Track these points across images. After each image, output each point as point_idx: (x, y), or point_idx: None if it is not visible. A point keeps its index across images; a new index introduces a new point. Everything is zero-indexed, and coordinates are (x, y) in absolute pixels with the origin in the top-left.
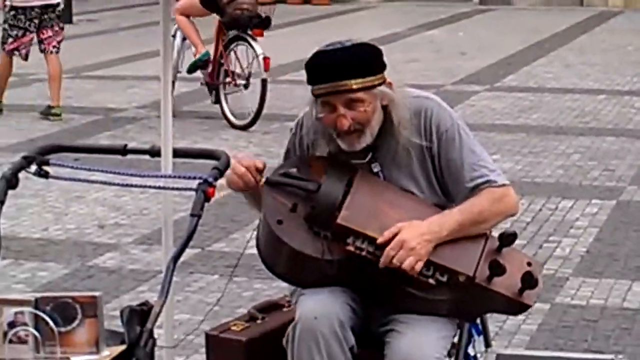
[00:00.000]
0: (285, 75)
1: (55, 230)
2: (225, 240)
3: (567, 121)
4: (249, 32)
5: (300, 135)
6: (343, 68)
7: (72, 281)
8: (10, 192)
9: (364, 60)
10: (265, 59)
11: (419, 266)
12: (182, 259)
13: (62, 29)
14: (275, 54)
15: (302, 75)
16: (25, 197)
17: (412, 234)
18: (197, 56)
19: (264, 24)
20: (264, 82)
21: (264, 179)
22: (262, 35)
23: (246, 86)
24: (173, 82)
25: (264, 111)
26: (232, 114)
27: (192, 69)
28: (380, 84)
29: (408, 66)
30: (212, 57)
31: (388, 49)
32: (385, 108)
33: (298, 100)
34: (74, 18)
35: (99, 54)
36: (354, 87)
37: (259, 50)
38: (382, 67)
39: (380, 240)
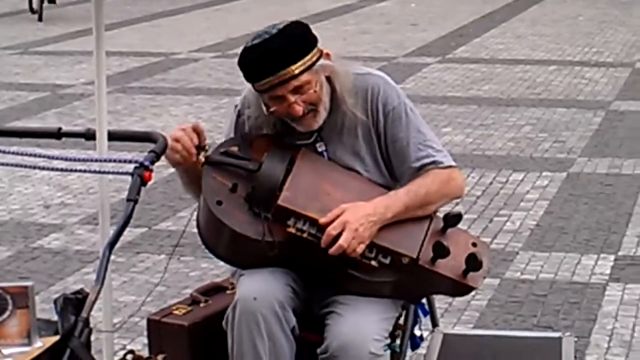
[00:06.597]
0: (236, 49)
1: None
2: (173, 219)
3: (518, 92)
4: None
5: (245, 112)
6: (279, 57)
7: (16, 263)
8: None
9: (295, 42)
10: None
11: (360, 248)
12: (128, 238)
13: None
14: (226, 28)
15: None
16: None
17: (356, 215)
18: None
19: None
20: None
21: (201, 156)
22: None
23: None
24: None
25: (214, 86)
26: None
27: None
28: (318, 59)
29: (360, 38)
30: None
31: (340, 21)
32: (328, 78)
33: None
34: None
35: (47, 29)
36: (296, 72)
37: None
38: (314, 41)
39: (322, 220)
